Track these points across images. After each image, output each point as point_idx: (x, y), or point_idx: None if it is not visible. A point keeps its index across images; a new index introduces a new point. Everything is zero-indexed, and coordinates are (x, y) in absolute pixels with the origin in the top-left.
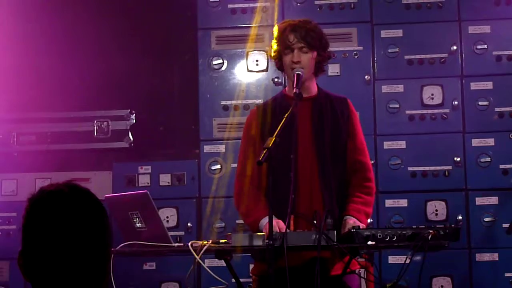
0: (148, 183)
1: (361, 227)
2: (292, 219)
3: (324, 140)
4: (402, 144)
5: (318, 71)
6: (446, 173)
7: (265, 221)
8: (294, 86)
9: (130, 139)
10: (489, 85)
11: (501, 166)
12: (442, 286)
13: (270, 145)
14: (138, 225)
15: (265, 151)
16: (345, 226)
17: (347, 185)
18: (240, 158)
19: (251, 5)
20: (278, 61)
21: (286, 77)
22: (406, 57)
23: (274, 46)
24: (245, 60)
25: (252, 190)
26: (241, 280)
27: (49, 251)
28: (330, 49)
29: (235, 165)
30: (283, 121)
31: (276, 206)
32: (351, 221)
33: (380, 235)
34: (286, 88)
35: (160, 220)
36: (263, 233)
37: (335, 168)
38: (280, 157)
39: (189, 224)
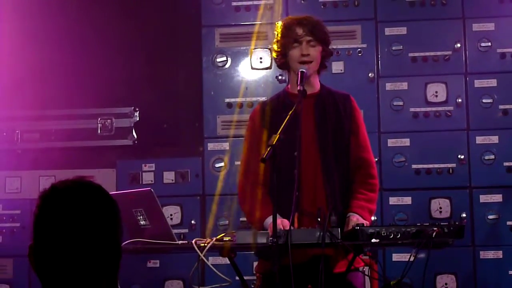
0: (152, 181)
1: (364, 225)
2: (296, 217)
3: (327, 136)
4: (406, 142)
5: (321, 67)
6: (450, 170)
7: (269, 220)
8: (298, 83)
9: (134, 137)
10: (493, 82)
11: (505, 164)
12: (446, 284)
13: (274, 142)
14: (142, 222)
15: (269, 149)
16: (348, 224)
17: (350, 182)
18: (243, 155)
19: (255, 2)
20: (282, 57)
21: (288, 75)
22: (410, 54)
23: (279, 41)
24: (249, 57)
25: (256, 188)
26: (245, 277)
27: (60, 247)
28: (334, 46)
29: (239, 162)
30: (287, 118)
31: (280, 203)
32: (354, 218)
33: (384, 233)
34: (289, 85)
35: (164, 218)
36: (267, 231)
37: (339, 165)
38: (284, 155)
39: (193, 222)
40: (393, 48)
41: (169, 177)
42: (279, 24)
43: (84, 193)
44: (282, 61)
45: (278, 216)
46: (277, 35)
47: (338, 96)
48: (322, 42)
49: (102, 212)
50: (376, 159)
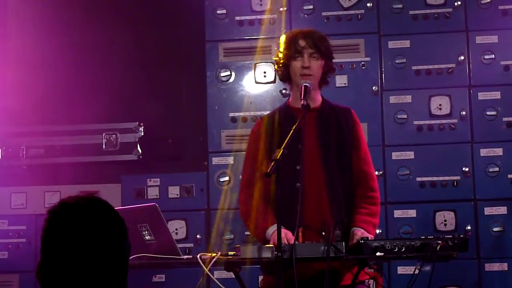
0: (157, 195)
1: (369, 238)
2: (300, 231)
3: (330, 150)
4: (410, 155)
5: (322, 82)
6: (455, 183)
7: (271, 230)
8: (302, 97)
9: (139, 152)
10: (497, 95)
11: (510, 176)
12: None
13: (278, 157)
14: (147, 237)
15: (273, 163)
16: (353, 238)
17: (353, 195)
18: (244, 169)
19: (258, 17)
20: (284, 69)
21: (290, 88)
22: (414, 67)
23: (282, 52)
24: (252, 71)
25: (258, 201)
26: None
27: (68, 264)
28: (338, 60)
29: None
30: (291, 133)
31: (283, 217)
32: (359, 232)
33: (388, 246)
34: (290, 99)
35: (169, 233)
36: (271, 245)
37: (342, 178)
38: (287, 169)
39: (198, 236)
40: (397, 61)
41: (174, 191)
42: (283, 36)
43: (92, 209)
44: (284, 72)
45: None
46: (280, 46)
47: (339, 109)
48: (325, 56)
49: (109, 229)
50: (381, 172)
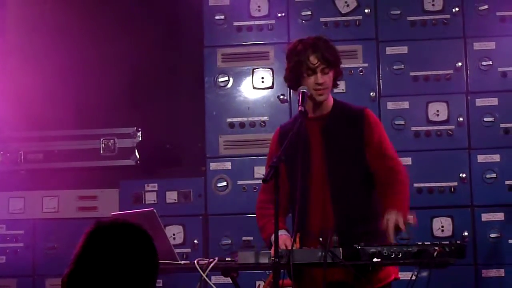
0: (154, 201)
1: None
2: (298, 237)
3: (335, 158)
4: (407, 161)
5: (333, 86)
6: (452, 189)
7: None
8: (299, 104)
9: (137, 157)
10: (494, 101)
11: (507, 182)
12: None
13: (275, 163)
14: None
15: (270, 169)
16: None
17: (371, 198)
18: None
19: (257, 22)
20: (295, 82)
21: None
22: (412, 73)
23: (292, 67)
24: (250, 77)
25: (269, 206)
26: None
27: (100, 281)
28: None
29: (242, 182)
30: (287, 139)
31: (292, 224)
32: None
33: (385, 252)
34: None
35: (166, 238)
36: (269, 251)
37: (348, 184)
38: (295, 177)
39: (195, 241)
40: (395, 67)
41: (171, 197)
42: (291, 47)
43: (138, 237)
44: (294, 84)
45: (285, 233)
46: (290, 60)
47: (351, 112)
48: (335, 67)
49: (147, 257)
50: None
